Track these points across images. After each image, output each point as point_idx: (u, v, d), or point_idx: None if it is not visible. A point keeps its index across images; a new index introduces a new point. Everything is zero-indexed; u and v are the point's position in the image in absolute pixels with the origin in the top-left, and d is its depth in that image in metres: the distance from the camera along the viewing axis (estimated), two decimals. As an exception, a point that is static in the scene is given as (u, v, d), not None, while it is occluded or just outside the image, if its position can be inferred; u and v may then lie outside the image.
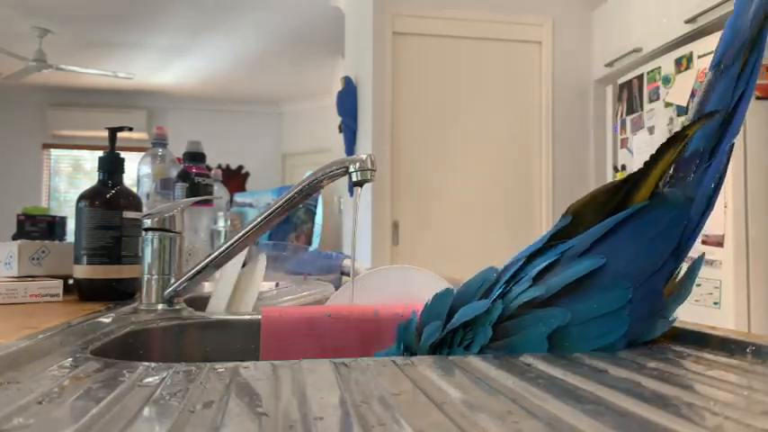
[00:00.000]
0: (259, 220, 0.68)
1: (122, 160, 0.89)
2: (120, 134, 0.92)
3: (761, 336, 0.44)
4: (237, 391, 0.32)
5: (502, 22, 2.79)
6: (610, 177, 2.69)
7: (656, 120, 2.18)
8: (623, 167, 2.42)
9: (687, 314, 1.96)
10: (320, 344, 0.62)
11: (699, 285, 1.91)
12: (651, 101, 2.22)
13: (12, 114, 5.56)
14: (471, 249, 2.65)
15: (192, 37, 4.22)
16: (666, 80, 2.13)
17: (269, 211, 0.68)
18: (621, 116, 2.44)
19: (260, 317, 0.63)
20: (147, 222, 0.73)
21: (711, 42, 1.91)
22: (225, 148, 5.74)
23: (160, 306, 0.71)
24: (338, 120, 3.22)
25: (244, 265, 0.88)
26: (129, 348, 0.58)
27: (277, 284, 1.11)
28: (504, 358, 0.40)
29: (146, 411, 0.28)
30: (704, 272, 1.89)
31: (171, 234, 0.73)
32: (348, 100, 3.07)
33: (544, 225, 2.74)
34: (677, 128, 2.05)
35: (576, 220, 0.46)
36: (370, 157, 0.65)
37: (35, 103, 5.55)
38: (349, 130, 3.07)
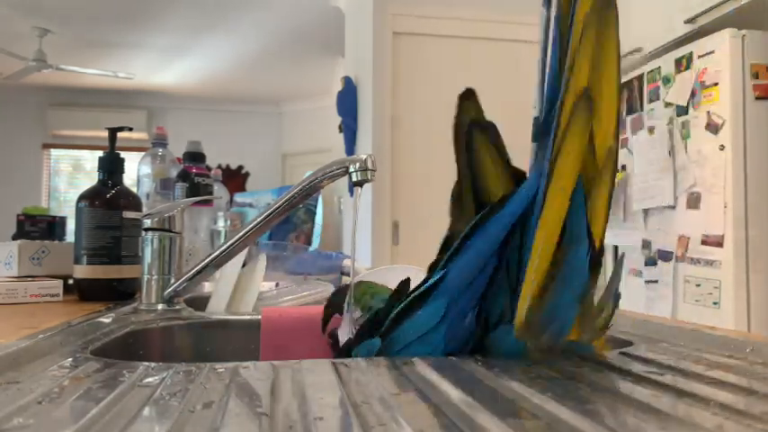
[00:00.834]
0: (259, 220, 0.68)
1: (122, 160, 0.89)
2: (120, 134, 0.92)
3: (761, 336, 0.44)
4: (237, 392, 0.32)
5: (502, 21, 2.79)
6: (610, 177, 2.69)
7: (655, 120, 2.18)
8: (623, 167, 2.42)
9: (687, 314, 1.96)
10: (320, 344, 0.62)
11: (699, 285, 1.91)
12: (651, 101, 2.22)
13: (12, 114, 5.56)
14: (471, 249, 2.64)
15: (192, 37, 4.22)
16: (666, 80, 2.13)
17: (269, 211, 0.68)
18: (621, 116, 2.44)
19: (260, 317, 0.63)
20: (147, 222, 0.73)
21: (711, 42, 1.91)
22: (225, 148, 5.73)
23: (160, 306, 0.71)
24: (338, 120, 3.22)
25: (244, 265, 0.88)
26: (129, 348, 0.58)
27: (277, 284, 1.11)
28: (504, 358, 0.40)
29: (146, 411, 0.28)
30: (704, 272, 1.89)
31: (171, 234, 0.73)
32: (348, 100, 3.07)
33: (544, 225, 2.74)
34: (677, 128, 2.05)
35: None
36: (370, 157, 0.65)
37: (35, 103, 5.55)
38: (349, 130, 3.07)
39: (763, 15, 1.91)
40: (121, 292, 0.85)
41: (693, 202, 1.94)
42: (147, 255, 0.72)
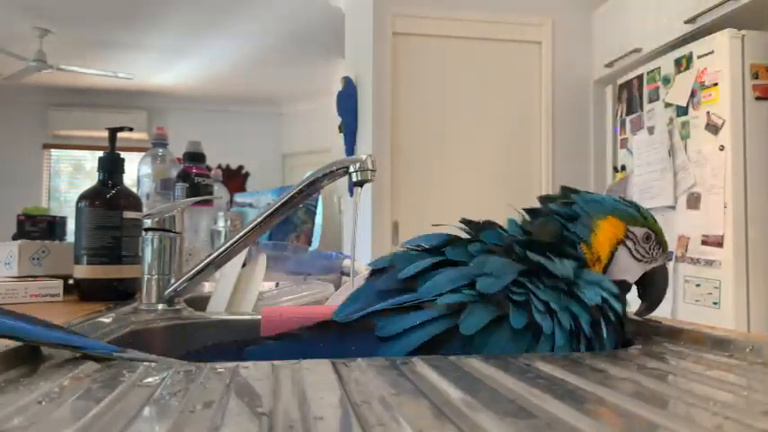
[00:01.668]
0: (259, 220, 0.68)
1: (122, 160, 0.89)
2: (120, 134, 0.92)
3: (761, 336, 0.44)
4: (237, 391, 0.32)
5: (502, 22, 2.79)
6: (610, 177, 2.69)
7: (655, 120, 2.18)
8: (623, 168, 2.42)
9: (687, 314, 1.96)
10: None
11: (698, 285, 1.91)
12: (651, 101, 2.22)
13: (12, 114, 5.56)
14: (471, 249, 2.64)
15: (192, 37, 4.22)
16: (666, 80, 2.13)
17: (269, 211, 0.68)
18: (621, 116, 2.44)
19: (260, 317, 0.63)
20: (148, 222, 0.73)
21: (711, 42, 1.91)
22: (225, 149, 5.73)
23: (160, 306, 0.71)
24: (338, 120, 3.22)
25: (244, 265, 0.88)
26: (129, 348, 0.57)
27: (277, 284, 1.11)
28: (503, 358, 0.40)
29: (146, 411, 0.28)
30: (704, 272, 1.89)
31: (171, 234, 0.73)
32: (348, 100, 3.07)
33: (544, 225, 2.74)
34: (677, 128, 2.05)
35: None
36: (370, 157, 0.65)
37: (35, 103, 5.55)
38: (349, 130, 3.07)
39: (763, 15, 1.91)
40: (121, 292, 0.85)
41: (693, 202, 1.94)
42: (148, 255, 0.72)
